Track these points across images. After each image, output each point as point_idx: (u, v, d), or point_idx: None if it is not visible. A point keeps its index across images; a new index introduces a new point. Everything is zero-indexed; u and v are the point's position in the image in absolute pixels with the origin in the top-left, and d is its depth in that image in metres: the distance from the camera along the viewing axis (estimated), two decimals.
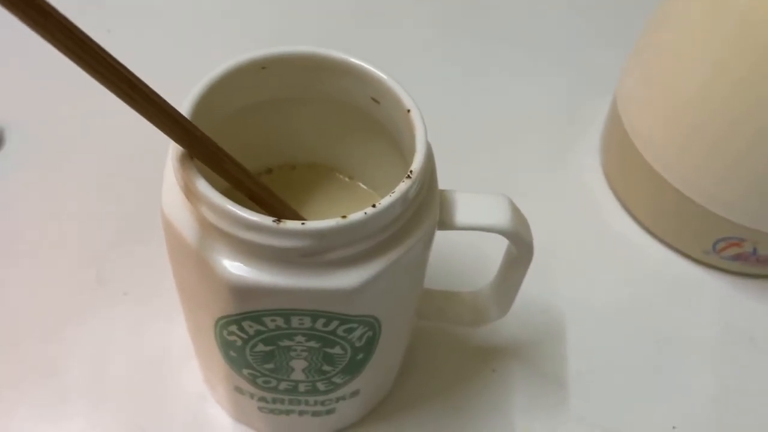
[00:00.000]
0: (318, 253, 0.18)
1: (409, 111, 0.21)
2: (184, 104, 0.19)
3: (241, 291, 0.19)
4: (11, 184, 0.34)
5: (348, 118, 0.24)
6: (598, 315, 0.32)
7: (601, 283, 0.33)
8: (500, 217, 0.22)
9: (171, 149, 0.19)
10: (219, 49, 0.40)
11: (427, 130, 0.20)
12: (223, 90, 0.21)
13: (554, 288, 0.32)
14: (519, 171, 0.37)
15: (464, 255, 0.32)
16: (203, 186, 0.18)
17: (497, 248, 0.26)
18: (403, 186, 0.19)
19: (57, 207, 0.33)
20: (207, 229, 0.19)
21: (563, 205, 0.36)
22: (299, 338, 0.21)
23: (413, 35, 0.43)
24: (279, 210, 0.21)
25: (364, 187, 0.26)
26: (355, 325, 0.20)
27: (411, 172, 0.19)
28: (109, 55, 0.15)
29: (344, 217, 0.18)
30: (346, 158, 0.26)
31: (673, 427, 0.29)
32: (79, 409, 0.27)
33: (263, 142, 0.25)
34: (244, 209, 0.18)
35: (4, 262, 0.31)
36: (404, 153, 0.23)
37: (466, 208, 0.22)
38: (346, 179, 0.26)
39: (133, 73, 0.16)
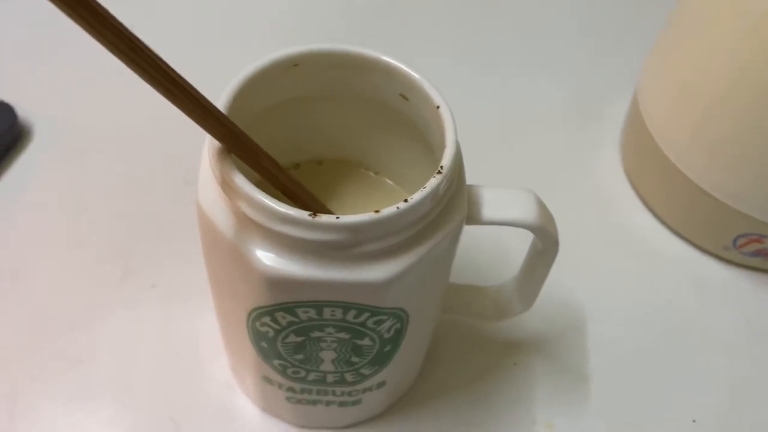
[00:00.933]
0: (351, 246, 0.19)
1: (438, 107, 0.21)
2: (220, 100, 0.20)
3: (275, 282, 0.19)
4: (40, 179, 0.34)
5: (376, 115, 0.24)
6: (618, 310, 0.32)
7: (622, 278, 0.34)
8: (527, 212, 0.22)
9: (208, 145, 0.20)
10: (237, 45, 0.40)
11: (456, 126, 0.20)
12: (256, 87, 0.21)
13: (575, 283, 0.33)
14: (539, 168, 0.37)
15: (485, 249, 0.33)
16: (241, 180, 0.18)
17: (518, 242, 0.27)
18: (434, 181, 0.19)
19: (85, 200, 0.34)
20: (243, 222, 0.19)
21: (583, 202, 0.36)
22: (330, 329, 0.21)
23: (427, 32, 0.44)
24: (309, 204, 0.21)
25: (390, 182, 0.27)
26: (384, 317, 0.21)
27: (442, 167, 0.19)
28: (153, 52, 0.15)
29: (377, 211, 0.18)
30: (373, 154, 0.26)
31: (693, 421, 0.29)
32: (108, 400, 0.28)
33: (291, 138, 0.25)
34: (281, 203, 0.18)
35: (33, 255, 0.32)
36: (432, 148, 0.23)
37: (493, 203, 0.22)
38: (372, 174, 0.27)
39: (175, 71, 0.16)
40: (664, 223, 0.35)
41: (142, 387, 0.28)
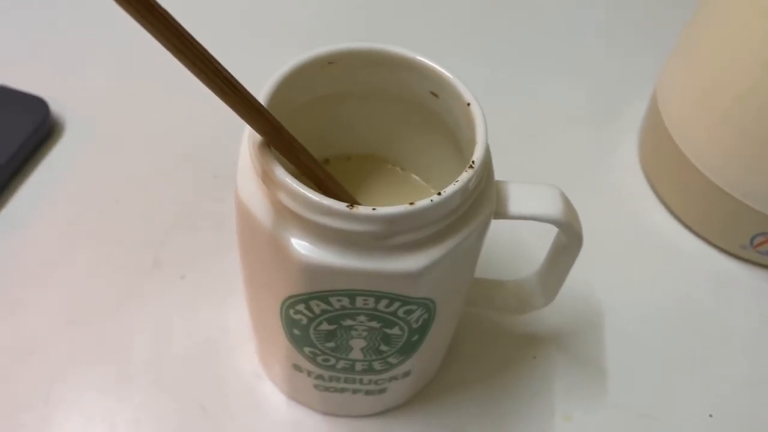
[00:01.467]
0: (386, 237, 0.19)
1: (469, 104, 0.22)
2: (260, 95, 0.21)
3: (312, 271, 0.20)
4: (72, 172, 0.35)
5: (405, 112, 0.25)
6: (636, 305, 0.33)
7: (639, 274, 0.34)
8: (553, 207, 0.23)
9: (248, 138, 0.21)
10: (263, 45, 0.41)
11: (486, 123, 0.21)
12: (292, 84, 0.22)
13: (593, 278, 0.33)
14: (558, 165, 0.38)
15: (503, 244, 0.33)
16: (281, 173, 0.19)
17: (534, 238, 0.27)
18: (465, 175, 0.20)
19: (116, 193, 0.35)
20: (282, 212, 0.20)
21: (601, 199, 0.37)
22: (361, 318, 0.22)
23: (448, 32, 0.44)
24: (342, 197, 0.22)
25: (417, 178, 0.27)
26: (414, 307, 0.22)
27: (473, 162, 0.20)
28: (205, 49, 0.16)
29: (412, 203, 0.19)
30: (400, 150, 0.27)
31: (710, 415, 0.30)
32: (139, 387, 0.29)
33: (322, 133, 0.26)
34: (321, 195, 0.19)
35: (65, 247, 0.33)
36: (461, 145, 0.24)
37: (520, 199, 0.23)
38: (399, 170, 0.28)
39: (222, 65, 0.17)
40: (680, 221, 0.36)
41: (172, 375, 0.29)
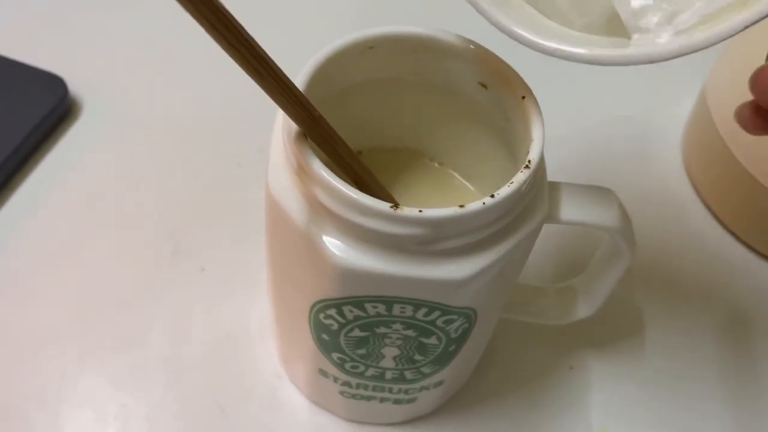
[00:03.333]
0: (431, 242, 0.18)
1: (524, 98, 0.20)
2: (297, 81, 0.19)
3: (348, 275, 0.18)
4: (88, 155, 0.34)
5: (448, 103, 0.23)
6: (679, 316, 0.31)
7: (682, 284, 0.32)
8: (609, 214, 0.21)
9: (282, 129, 0.19)
10: (299, 31, 0.39)
11: (543, 119, 0.19)
12: (331, 69, 0.20)
13: (634, 286, 0.32)
14: (599, 164, 0.36)
15: (543, 245, 0.31)
16: (319, 167, 0.18)
17: (579, 240, 0.26)
18: (520, 177, 0.18)
19: (134, 179, 0.33)
20: (317, 210, 0.18)
21: (644, 203, 0.35)
22: (397, 326, 0.20)
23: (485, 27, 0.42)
24: (382, 196, 0.20)
25: (456, 174, 0.26)
26: (455, 317, 0.20)
27: (529, 162, 0.18)
28: (246, 32, 0.15)
29: (462, 206, 0.17)
30: (439, 144, 0.25)
31: None
32: (154, 383, 0.28)
33: (357, 123, 0.24)
34: (362, 194, 0.17)
35: (79, 231, 0.31)
36: (509, 141, 0.22)
37: (574, 203, 0.21)
38: (437, 165, 0.26)
39: (263, 50, 0.15)
40: (728, 229, 0.34)
41: (190, 372, 0.28)
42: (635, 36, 0.16)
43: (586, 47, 0.17)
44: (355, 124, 0.25)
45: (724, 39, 0.16)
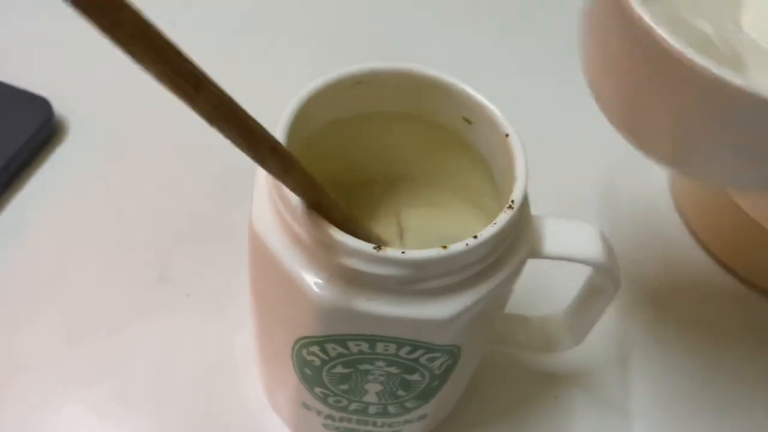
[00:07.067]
0: (414, 281, 0.18)
1: (507, 135, 0.20)
2: (282, 117, 0.19)
3: (331, 314, 0.18)
4: (75, 176, 0.34)
5: (436, 136, 0.23)
6: (665, 347, 0.31)
7: (669, 314, 0.32)
8: (592, 249, 0.21)
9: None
10: (277, 63, 0.39)
11: (527, 156, 0.19)
12: (318, 103, 0.20)
13: (619, 316, 0.32)
14: (583, 190, 0.36)
15: (526, 275, 0.31)
16: (301, 207, 0.17)
17: (563, 270, 0.25)
18: (504, 216, 0.18)
19: (120, 202, 0.33)
20: (300, 249, 0.18)
21: (631, 234, 0.35)
22: (380, 363, 0.20)
23: (474, 42, 0.42)
24: (363, 235, 0.20)
25: (446, 202, 0.26)
26: (438, 355, 0.20)
27: (512, 202, 0.18)
28: (221, 89, 0.13)
29: (445, 247, 0.17)
30: (429, 173, 0.25)
31: None
32: (138, 411, 0.27)
33: (346, 155, 0.24)
34: (345, 234, 0.17)
35: (64, 255, 0.31)
36: (494, 175, 0.22)
37: (557, 238, 0.21)
38: (427, 194, 0.26)
39: (241, 109, 0.14)
40: (714, 257, 0.34)
41: (173, 399, 0.28)
42: None
43: None
44: (344, 155, 0.25)
45: None
